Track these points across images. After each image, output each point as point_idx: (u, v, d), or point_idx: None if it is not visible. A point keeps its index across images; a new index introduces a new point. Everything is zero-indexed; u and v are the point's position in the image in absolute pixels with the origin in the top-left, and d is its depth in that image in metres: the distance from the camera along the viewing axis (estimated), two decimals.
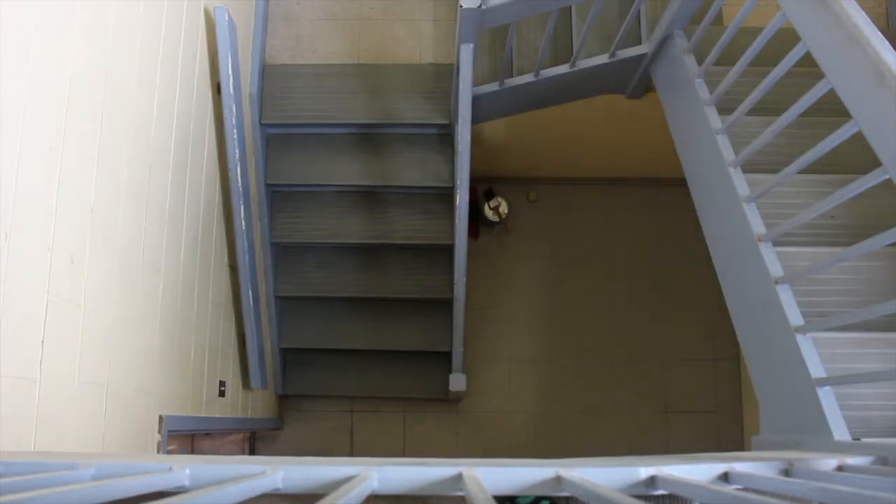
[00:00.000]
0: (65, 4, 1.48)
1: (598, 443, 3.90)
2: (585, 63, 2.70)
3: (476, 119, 2.82)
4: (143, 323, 1.96)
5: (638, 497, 0.76)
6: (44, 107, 1.41)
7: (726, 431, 3.95)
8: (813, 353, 1.55)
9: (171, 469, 0.77)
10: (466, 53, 2.39)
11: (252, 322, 2.88)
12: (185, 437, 3.09)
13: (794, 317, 1.61)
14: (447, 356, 3.44)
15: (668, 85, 2.53)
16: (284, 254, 3.54)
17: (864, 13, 1.37)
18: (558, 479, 0.76)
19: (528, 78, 2.76)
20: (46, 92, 1.42)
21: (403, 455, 3.90)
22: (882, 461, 1.06)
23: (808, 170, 1.63)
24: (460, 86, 2.52)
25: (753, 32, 1.80)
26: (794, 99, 1.61)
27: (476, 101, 2.67)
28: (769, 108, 1.90)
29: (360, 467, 0.75)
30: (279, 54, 3.35)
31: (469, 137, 2.70)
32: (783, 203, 1.90)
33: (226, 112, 2.56)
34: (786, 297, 1.64)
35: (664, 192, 4.11)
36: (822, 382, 1.49)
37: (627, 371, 4.02)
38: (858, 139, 1.38)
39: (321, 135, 3.38)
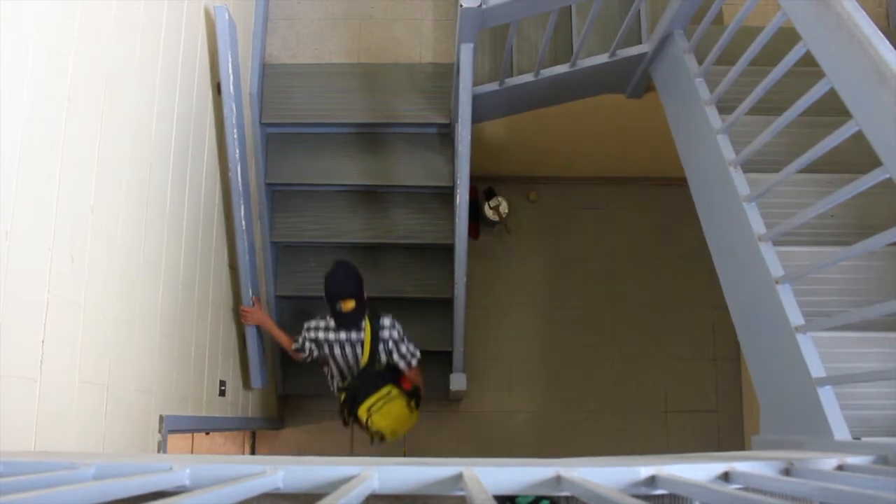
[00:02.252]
0: (65, 4, 1.48)
1: (598, 442, 3.90)
2: (585, 62, 2.70)
3: (476, 118, 2.82)
4: (144, 322, 1.96)
5: (638, 497, 0.76)
6: (44, 107, 1.41)
7: (726, 431, 3.95)
8: (813, 353, 1.55)
9: (171, 469, 0.77)
10: (466, 53, 2.39)
11: None
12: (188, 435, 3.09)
13: (795, 316, 1.61)
14: (448, 356, 3.44)
15: (669, 84, 2.53)
16: (284, 253, 3.54)
17: (864, 13, 1.37)
18: (558, 479, 0.76)
19: (529, 77, 2.76)
20: (47, 92, 1.42)
21: (403, 455, 3.91)
22: (883, 460, 1.06)
23: (809, 169, 1.63)
24: (460, 85, 2.51)
25: (754, 32, 1.80)
26: (794, 98, 1.61)
27: (476, 100, 2.67)
28: (769, 107, 1.90)
29: (360, 467, 0.75)
30: (279, 54, 3.35)
31: (469, 137, 2.70)
32: (783, 202, 1.90)
33: (226, 111, 2.56)
34: (786, 296, 1.64)
35: (664, 191, 4.11)
36: (823, 382, 1.49)
37: (627, 371, 4.02)
38: (859, 138, 1.38)
39: (321, 134, 3.38)
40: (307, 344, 2.69)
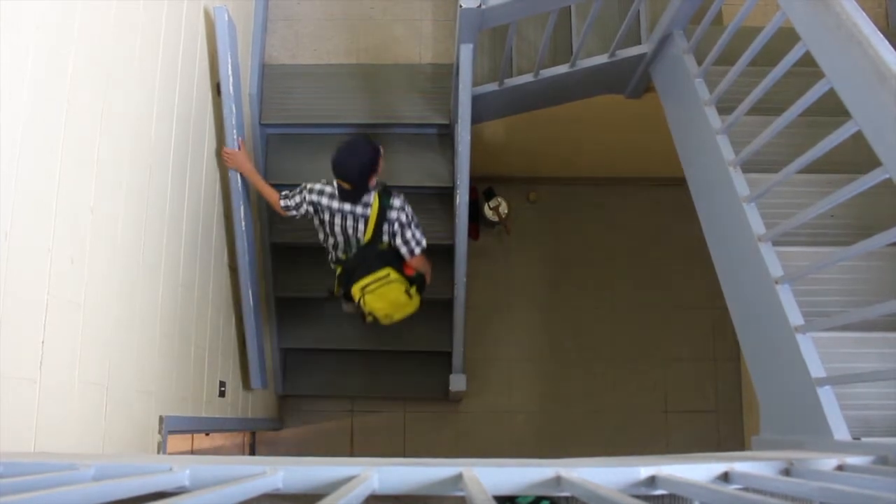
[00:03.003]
0: (65, 4, 1.48)
1: (598, 443, 3.90)
2: (585, 63, 2.70)
3: (476, 119, 2.83)
4: (144, 323, 1.96)
5: (638, 497, 0.76)
6: (44, 107, 1.41)
7: (726, 431, 3.95)
8: (813, 353, 1.55)
9: (171, 469, 0.77)
10: (466, 53, 2.39)
11: (252, 322, 2.88)
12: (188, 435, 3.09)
13: (795, 316, 1.61)
14: (447, 356, 3.44)
15: (668, 85, 2.53)
16: (284, 254, 3.54)
17: (864, 13, 1.37)
18: (558, 479, 0.76)
19: (528, 78, 2.76)
20: (46, 92, 1.42)
21: (403, 455, 3.90)
22: (882, 461, 1.06)
23: (808, 169, 1.64)
24: (460, 86, 2.51)
25: (753, 32, 1.80)
26: (793, 99, 1.61)
27: (476, 101, 2.67)
28: (769, 107, 1.90)
29: (360, 467, 0.75)
30: (279, 54, 3.35)
31: (469, 138, 2.70)
32: (783, 203, 1.90)
33: (225, 112, 2.56)
34: (786, 296, 1.64)
35: (664, 192, 4.11)
36: (823, 382, 1.49)
37: (627, 371, 4.02)
38: (858, 138, 1.38)
39: (321, 135, 3.38)
40: (304, 206, 2.53)
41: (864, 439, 1.46)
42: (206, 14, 2.47)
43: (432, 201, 3.42)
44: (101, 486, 0.70)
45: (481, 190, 4.02)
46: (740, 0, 1.89)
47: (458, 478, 0.75)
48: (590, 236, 4.17)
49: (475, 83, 2.64)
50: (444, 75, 3.24)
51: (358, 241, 2.55)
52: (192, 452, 3.27)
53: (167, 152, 2.13)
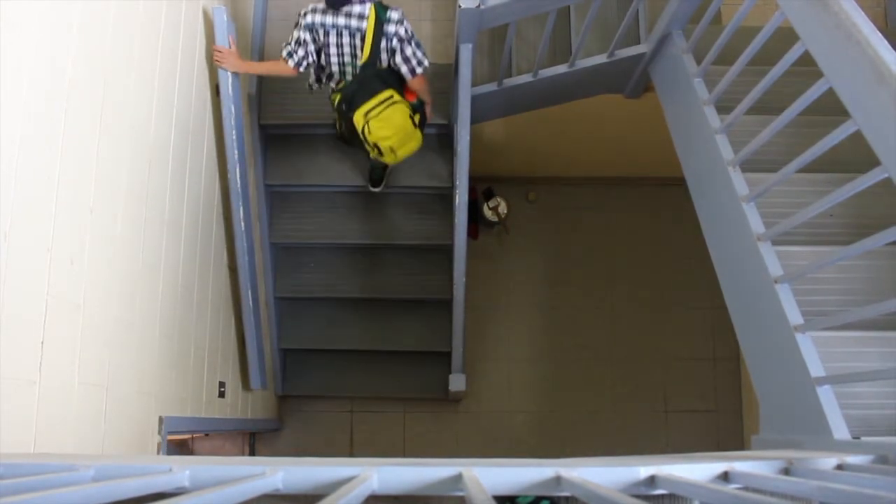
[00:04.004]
0: (64, 4, 1.48)
1: (598, 443, 3.90)
2: (584, 63, 2.70)
3: (475, 119, 2.83)
4: (143, 324, 1.95)
5: (638, 497, 0.76)
6: (43, 107, 1.41)
7: (726, 431, 3.95)
8: (812, 352, 1.55)
9: (171, 470, 0.77)
10: (465, 53, 2.39)
11: (252, 323, 2.88)
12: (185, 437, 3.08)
13: (794, 316, 1.61)
14: (447, 356, 3.44)
15: (667, 84, 2.53)
16: (284, 254, 3.54)
17: (862, 13, 1.37)
18: (558, 479, 0.76)
19: (527, 78, 2.76)
20: (46, 92, 1.42)
21: (403, 455, 3.90)
22: (882, 460, 1.06)
23: (808, 169, 1.64)
24: (459, 86, 2.52)
25: (752, 31, 1.80)
26: (792, 98, 1.61)
27: (475, 101, 2.67)
28: (768, 107, 1.90)
29: (359, 468, 0.75)
30: (278, 55, 3.34)
31: (468, 138, 2.70)
32: (783, 202, 1.90)
33: (225, 112, 2.56)
34: (785, 296, 1.64)
35: (664, 192, 4.11)
36: (822, 381, 1.49)
37: (627, 371, 4.02)
38: (857, 138, 1.38)
39: (320, 135, 3.38)
40: (302, 35, 2.40)
41: (863, 438, 1.46)
42: (206, 14, 2.47)
43: (432, 201, 3.42)
44: (100, 486, 0.70)
45: (481, 190, 4.02)
46: (739, 0, 1.89)
47: (458, 478, 0.75)
48: (589, 236, 4.17)
49: (474, 83, 2.64)
50: (444, 75, 3.24)
51: (356, 66, 2.43)
52: (192, 453, 3.27)
53: (166, 152, 2.13)
